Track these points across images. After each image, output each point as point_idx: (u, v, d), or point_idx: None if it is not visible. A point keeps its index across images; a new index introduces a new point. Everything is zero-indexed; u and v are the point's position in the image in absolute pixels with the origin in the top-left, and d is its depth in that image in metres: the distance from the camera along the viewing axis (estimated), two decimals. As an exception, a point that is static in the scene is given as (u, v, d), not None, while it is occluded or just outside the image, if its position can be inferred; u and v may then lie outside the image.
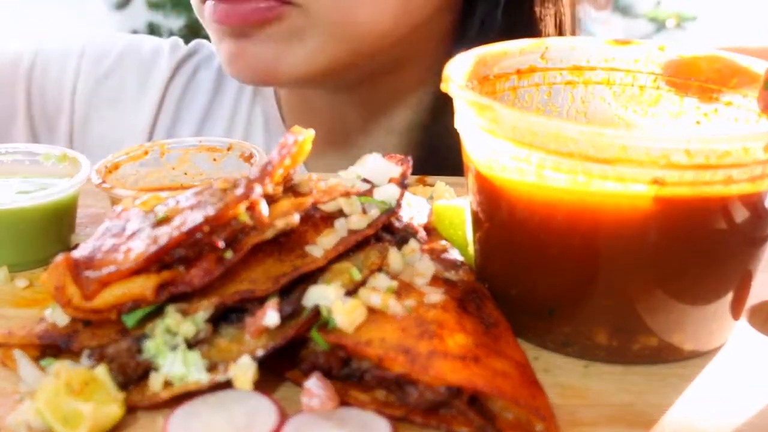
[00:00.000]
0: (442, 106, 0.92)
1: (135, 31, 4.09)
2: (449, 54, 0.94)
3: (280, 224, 0.82)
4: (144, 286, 0.77)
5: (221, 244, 0.79)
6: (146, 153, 1.14)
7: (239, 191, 0.82)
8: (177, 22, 4.08)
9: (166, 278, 0.78)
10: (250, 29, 1.32)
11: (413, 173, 1.18)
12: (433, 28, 1.47)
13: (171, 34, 3.95)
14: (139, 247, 0.78)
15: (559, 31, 1.53)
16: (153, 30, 4.11)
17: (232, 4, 1.30)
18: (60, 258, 0.77)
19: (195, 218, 0.79)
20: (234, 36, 1.34)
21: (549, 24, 1.51)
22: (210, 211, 0.79)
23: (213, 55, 1.71)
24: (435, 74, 0.91)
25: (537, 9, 1.48)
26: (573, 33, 1.56)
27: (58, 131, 1.63)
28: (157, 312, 0.78)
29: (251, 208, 0.82)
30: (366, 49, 1.36)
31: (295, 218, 0.84)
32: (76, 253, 0.80)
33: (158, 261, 0.78)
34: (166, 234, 0.78)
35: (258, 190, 0.83)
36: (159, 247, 0.77)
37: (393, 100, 1.55)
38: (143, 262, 0.77)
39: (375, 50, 1.38)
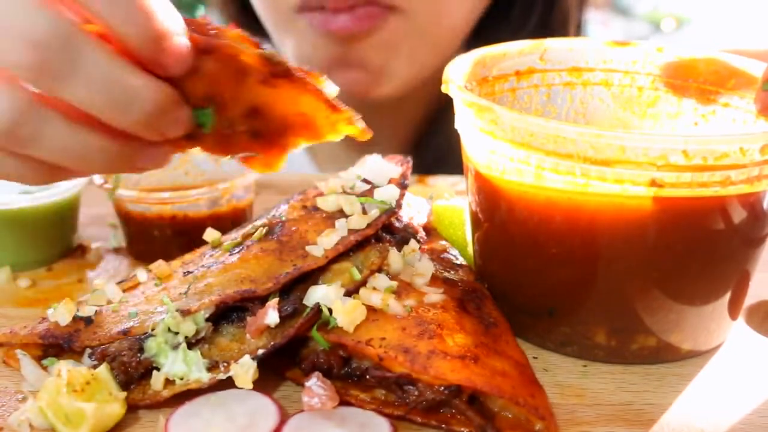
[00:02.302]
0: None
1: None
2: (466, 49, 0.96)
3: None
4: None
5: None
6: (147, 153, 1.14)
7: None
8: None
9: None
10: (356, 39, 1.31)
11: (420, 170, 1.18)
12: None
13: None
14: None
15: (577, 32, 1.54)
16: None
17: (337, 13, 1.27)
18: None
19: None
20: (340, 42, 1.33)
21: (572, 27, 1.53)
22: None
23: None
24: None
25: (572, 12, 1.50)
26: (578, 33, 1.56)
27: None
28: None
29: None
30: (447, 55, 1.35)
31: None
32: None
33: None
34: None
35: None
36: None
37: (412, 99, 1.55)
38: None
39: (450, 52, 1.38)
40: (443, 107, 1.49)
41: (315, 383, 0.75)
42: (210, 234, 0.90)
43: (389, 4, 1.30)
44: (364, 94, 1.42)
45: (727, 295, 0.85)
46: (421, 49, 1.35)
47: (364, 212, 0.89)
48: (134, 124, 0.70)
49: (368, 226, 0.88)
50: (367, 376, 0.79)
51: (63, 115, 0.70)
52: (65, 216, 1.06)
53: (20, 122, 0.70)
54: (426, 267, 0.87)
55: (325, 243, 0.84)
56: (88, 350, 0.81)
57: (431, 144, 1.54)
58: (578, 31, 1.57)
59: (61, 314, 0.82)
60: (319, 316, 0.80)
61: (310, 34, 1.36)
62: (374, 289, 0.82)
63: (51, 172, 0.75)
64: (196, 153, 1.15)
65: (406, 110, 1.57)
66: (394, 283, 0.84)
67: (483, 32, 1.48)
